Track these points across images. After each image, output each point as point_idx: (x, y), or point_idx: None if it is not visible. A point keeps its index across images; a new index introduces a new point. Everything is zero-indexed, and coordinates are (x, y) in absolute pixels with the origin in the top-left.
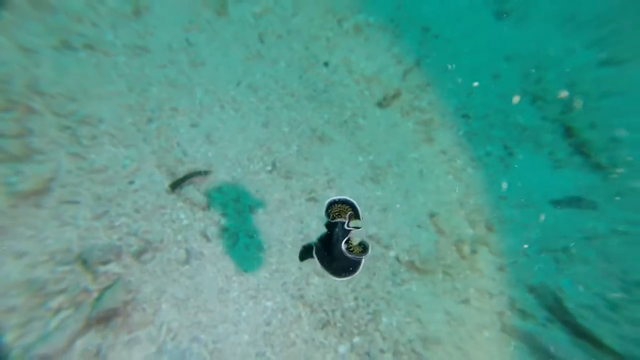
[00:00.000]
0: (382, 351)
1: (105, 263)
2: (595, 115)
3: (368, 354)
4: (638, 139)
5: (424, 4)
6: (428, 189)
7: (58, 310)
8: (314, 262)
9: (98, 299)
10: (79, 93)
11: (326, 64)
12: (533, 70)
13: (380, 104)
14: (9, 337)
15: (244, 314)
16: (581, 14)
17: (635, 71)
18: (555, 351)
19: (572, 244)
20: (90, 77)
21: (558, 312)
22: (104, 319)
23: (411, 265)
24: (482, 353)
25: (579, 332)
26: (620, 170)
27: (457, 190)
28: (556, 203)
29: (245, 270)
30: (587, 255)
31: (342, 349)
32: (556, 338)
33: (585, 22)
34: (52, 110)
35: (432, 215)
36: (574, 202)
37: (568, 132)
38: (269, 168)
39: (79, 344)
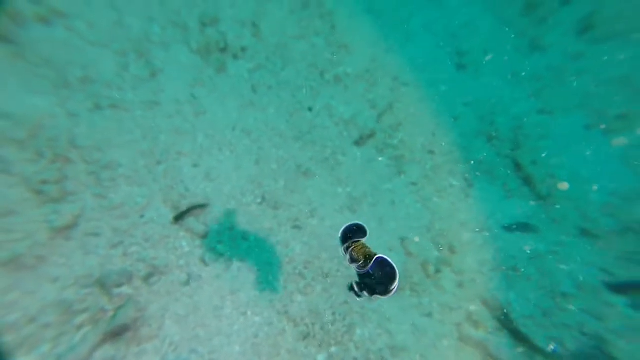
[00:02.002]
0: (355, 359)
1: (119, 286)
2: (535, 154)
3: None
4: (567, 175)
5: (394, 57)
6: (399, 216)
7: (81, 326)
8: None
9: (113, 316)
10: (104, 143)
11: (310, 109)
12: (487, 114)
13: (357, 143)
14: (46, 348)
15: (236, 327)
16: (523, 71)
17: (561, 120)
18: (500, 355)
19: (519, 264)
20: (113, 129)
21: (505, 322)
22: (117, 333)
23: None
24: (441, 359)
25: (519, 338)
26: (554, 200)
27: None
28: (507, 228)
29: (238, 290)
30: (530, 272)
31: (320, 357)
32: (501, 344)
33: (526, 78)
34: (83, 159)
35: (402, 239)
36: (522, 227)
37: (517, 166)
38: (259, 200)
39: (98, 354)
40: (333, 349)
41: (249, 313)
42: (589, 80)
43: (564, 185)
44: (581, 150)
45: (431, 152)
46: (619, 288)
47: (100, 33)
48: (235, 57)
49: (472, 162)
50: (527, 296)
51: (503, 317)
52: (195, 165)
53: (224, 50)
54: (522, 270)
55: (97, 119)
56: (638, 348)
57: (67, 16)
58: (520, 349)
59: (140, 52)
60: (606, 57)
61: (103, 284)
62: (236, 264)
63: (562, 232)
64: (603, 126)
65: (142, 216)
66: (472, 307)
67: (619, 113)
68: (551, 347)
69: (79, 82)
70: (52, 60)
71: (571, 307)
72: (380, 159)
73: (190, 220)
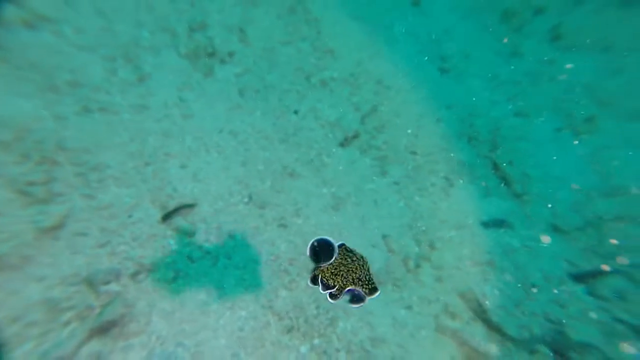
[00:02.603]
0: (337, 350)
1: (106, 283)
2: (512, 155)
3: (325, 352)
4: (540, 175)
5: (379, 61)
6: (382, 214)
7: (68, 323)
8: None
9: (100, 313)
10: (92, 146)
11: (296, 112)
12: (467, 117)
13: (341, 144)
14: (30, 345)
15: (221, 322)
16: (501, 75)
17: (534, 123)
18: (473, 343)
19: (495, 258)
20: (101, 132)
21: (479, 313)
22: (104, 329)
23: None
24: (419, 349)
25: (492, 327)
26: (529, 198)
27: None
28: (485, 224)
29: (224, 286)
30: (504, 266)
31: (303, 349)
32: (475, 333)
33: (504, 82)
34: (71, 161)
35: (384, 236)
36: (498, 223)
37: (495, 167)
38: (246, 200)
39: (84, 350)
40: (316, 341)
41: (234, 308)
42: (560, 85)
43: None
44: (552, 151)
45: (413, 153)
46: (579, 277)
47: (88, 38)
48: (222, 61)
49: (453, 162)
50: (500, 288)
51: (478, 308)
52: (183, 167)
53: (211, 54)
54: (497, 264)
55: (85, 121)
56: (589, 329)
57: (54, 21)
58: (492, 337)
59: (128, 57)
60: (574, 65)
61: (90, 282)
62: (222, 261)
63: (535, 228)
64: (570, 129)
65: (130, 216)
66: (449, 300)
67: (585, 117)
68: None
69: (66, 86)
70: (39, 64)
71: (538, 295)
72: (365, 159)
73: (177, 220)
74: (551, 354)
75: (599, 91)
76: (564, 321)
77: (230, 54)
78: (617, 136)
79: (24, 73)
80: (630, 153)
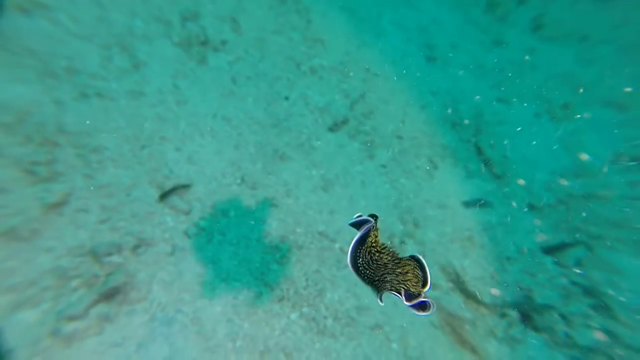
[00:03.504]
0: (325, 317)
1: (109, 255)
2: (494, 138)
3: (314, 319)
4: (519, 157)
5: (367, 50)
6: (368, 195)
7: (76, 289)
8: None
9: (105, 281)
10: (91, 130)
11: (287, 98)
12: (452, 103)
13: (331, 129)
14: (47, 305)
15: (217, 292)
16: (486, 64)
17: (515, 108)
18: (450, 309)
19: (474, 235)
20: (99, 117)
21: (457, 283)
22: (109, 295)
23: None
24: (400, 315)
25: (468, 295)
26: (508, 179)
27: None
28: (466, 204)
29: (219, 260)
30: (483, 241)
31: (293, 316)
32: (453, 301)
33: (489, 70)
34: (72, 143)
35: (371, 215)
36: (478, 202)
37: (478, 150)
38: (238, 181)
39: (93, 311)
40: (305, 309)
41: (228, 279)
42: (540, 73)
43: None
44: (530, 135)
45: (400, 138)
46: (548, 250)
47: (84, 27)
48: (215, 50)
49: (437, 146)
50: (478, 262)
51: (456, 280)
52: (178, 150)
53: (204, 43)
54: (476, 240)
55: (83, 106)
56: (551, 293)
57: (50, 8)
58: (469, 304)
59: (123, 45)
60: (554, 54)
61: (94, 254)
62: (217, 237)
63: (512, 206)
64: (549, 114)
65: (128, 195)
66: (431, 273)
67: (562, 103)
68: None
69: (63, 72)
70: (35, 51)
71: (512, 267)
72: (353, 144)
73: (174, 199)
74: (518, 316)
75: (575, 79)
76: (532, 288)
77: (223, 43)
78: (589, 121)
79: (21, 59)
80: (599, 136)
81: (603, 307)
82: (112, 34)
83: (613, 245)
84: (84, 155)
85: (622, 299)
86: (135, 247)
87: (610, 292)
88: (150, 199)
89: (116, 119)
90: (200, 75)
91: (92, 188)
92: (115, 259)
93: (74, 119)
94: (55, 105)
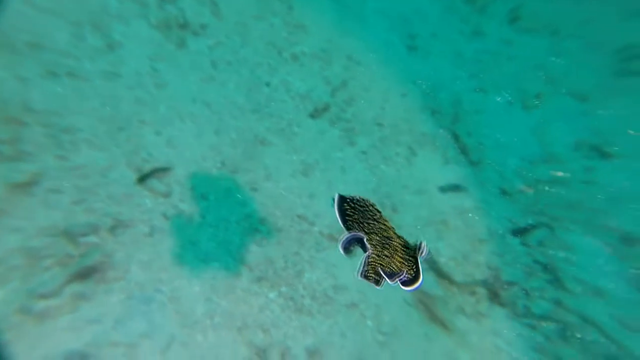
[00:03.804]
0: (302, 296)
1: (85, 235)
2: (471, 126)
3: (292, 298)
4: (493, 144)
5: (349, 38)
6: (348, 180)
7: (49, 268)
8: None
9: (79, 261)
10: (62, 109)
11: (268, 84)
12: (431, 92)
13: (312, 116)
14: (16, 284)
15: (195, 272)
16: (466, 54)
17: (491, 97)
18: (424, 288)
19: (448, 218)
20: (71, 97)
21: (431, 264)
22: (85, 274)
23: (331, 237)
24: (376, 293)
25: (441, 275)
26: (483, 165)
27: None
28: (442, 189)
29: (198, 241)
30: (457, 225)
31: (271, 295)
32: (427, 280)
33: (468, 60)
34: (40, 122)
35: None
36: (454, 188)
37: (456, 137)
38: (219, 165)
39: (68, 289)
40: (283, 289)
41: (207, 260)
42: (516, 64)
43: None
44: (504, 123)
45: (380, 125)
46: (516, 232)
47: (52, 1)
48: (195, 33)
49: (416, 133)
50: (452, 244)
51: (431, 261)
52: (157, 133)
53: (183, 26)
54: (451, 223)
55: (52, 85)
56: (516, 271)
57: None
58: (441, 283)
59: (96, 24)
60: (529, 46)
61: (68, 234)
62: (197, 220)
63: (486, 191)
64: (521, 103)
65: (104, 176)
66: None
67: (535, 93)
68: None
69: (26, 48)
70: None
71: (483, 248)
72: (334, 130)
73: (153, 182)
74: (486, 293)
75: (546, 70)
76: (499, 267)
77: (203, 27)
78: (558, 110)
79: None
80: (565, 125)
81: (556, 281)
82: (85, 11)
83: (569, 226)
84: (55, 135)
85: (571, 272)
86: (113, 228)
87: (563, 266)
88: (128, 181)
89: (90, 99)
90: (179, 58)
91: (65, 168)
92: (92, 239)
93: (42, 98)
94: (19, 82)
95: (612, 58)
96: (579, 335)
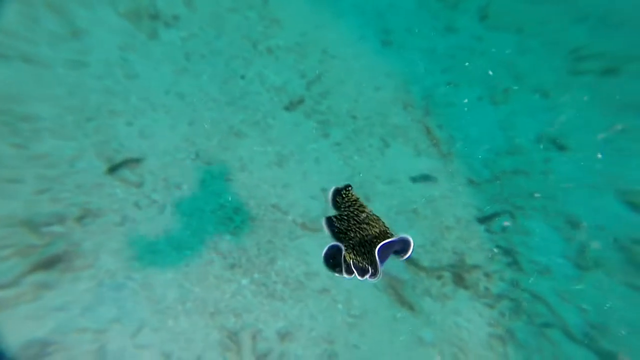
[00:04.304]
0: (274, 282)
1: (49, 225)
2: (442, 119)
3: (264, 284)
4: (462, 136)
5: (324, 32)
6: (322, 170)
7: (7, 258)
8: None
9: (42, 251)
10: (17, 96)
11: (243, 77)
12: (404, 85)
13: (287, 108)
14: None
15: (168, 260)
16: (438, 49)
17: (460, 91)
18: (393, 273)
19: (419, 207)
20: (29, 83)
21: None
22: (49, 264)
23: (304, 226)
24: (346, 280)
25: (410, 261)
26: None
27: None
28: (413, 179)
29: (171, 230)
30: (426, 213)
31: (244, 281)
32: (398, 265)
33: (440, 55)
34: None
35: (323, 189)
36: (424, 178)
37: (427, 130)
38: (193, 156)
39: (28, 279)
40: (256, 275)
41: (180, 248)
42: (486, 60)
43: None
44: (473, 117)
45: (354, 117)
46: (482, 219)
47: None
48: (167, 24)
49: (389, 126)
50: (421, 231)
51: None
52: (129, 124)
53: (154, 17)
54: (420, 211)
55: (5, 70)
56: (479, 255)
57: None
58: (410, 268)
59: (54, 7)
60: (498, 43)
61: (29, 224)
62: (169, 209)
63: (454, 181)
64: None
65: (72, 166)
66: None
67: (503, 88)
68: None
69: None
70: None
71: (450, 235)
72: (309, 122)
73: (124, 172)
74: (451, 277)
75: (513, 67)
76: (465, 252)
77: (175, 18)
78: (522, 105)
79: None
80: (529, 119)
81: (514, 263)
82: None
83: (528, 213)
84: (11, 122)
85: (527, 255)
86: (81, 218)
87: (521, 250)
88: (97, 171)
89: (54, 87)
90: (151, 49)
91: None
92: (57, 229)
93: None
94: None
95: (567, 58)
96: (528, 310)
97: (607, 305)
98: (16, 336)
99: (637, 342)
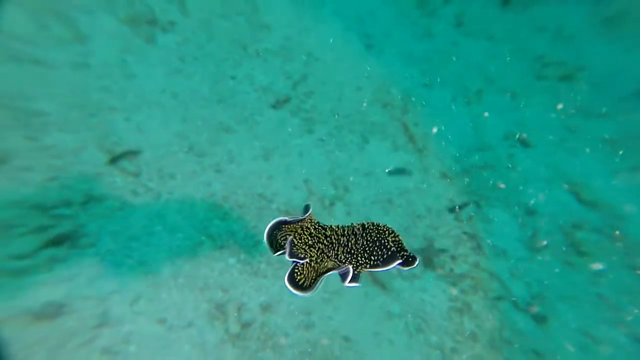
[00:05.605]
0: (259, 262)
1: (57, 208)
2: (418, 117)
3: (249, 263)
4: (438, 134)
5: (309, 36)
6: (305, 163)
7: (22, 235)
8: None
9: (52, 230)
10: (29, 94)
11: (233, 78)
12: (384, 86)
13: (274, 107)
14: None
15: (162, 241)
16: (416, 53)
17: (435, 92)
18: None
19: (393, 198)
20: (38, 83)
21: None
22: (57, 241)
23: (287, 213)
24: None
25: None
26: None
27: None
28: (389, 172)
29: (165, 215)
30: (400, 203)
31: (231, 260)
32: None
33: (418, 58)
34: (6, 105)
35: (305, 181)
36: (399, 171)
37: (405, 127)
38: (185, 150)
39: (42, 253)
40: (242, 256)
41: (173, 231)
42: (460, 64)
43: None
44: (448, 115)
45: (336, 115)
46: (451, 209)
47: None
48: (164, 30)
49: (368, 123)
50: (395, 219)
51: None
52: (127, 120)
53: (152, 23)
54: (395, 201)
55: (15, 71)
56: (447, 241)
57: None
58: None
59: (60, 14)
60: (471, 48)
61: (40, 207)
62: (164, 196)
63: (428, 174)
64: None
65: (76, 157)
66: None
67: (476, 90)
68: None
69: None
70: None
71: (421, 223)
72: (294, 120)
73: (123, 163)
74: (421, 260)
75: (485, 70)
76: (434, 238)
77: (171, 23)
78: (493, 105)
79: None
80: (499, 119)
81: (478, 247)
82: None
83: (492, 203)
84: (22, 118)
85: (488, 239)
86: (85, 202)
87: (484, 236)
88: (99, 162)
89: (59, 86)
90: (148, 52)
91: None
92: (64, 211)
93: (4, 82)
94: None
95: (533, 63)
96: (484, 287)
97: (546, 281)
98: (37, 297)
99: (564, 307)
